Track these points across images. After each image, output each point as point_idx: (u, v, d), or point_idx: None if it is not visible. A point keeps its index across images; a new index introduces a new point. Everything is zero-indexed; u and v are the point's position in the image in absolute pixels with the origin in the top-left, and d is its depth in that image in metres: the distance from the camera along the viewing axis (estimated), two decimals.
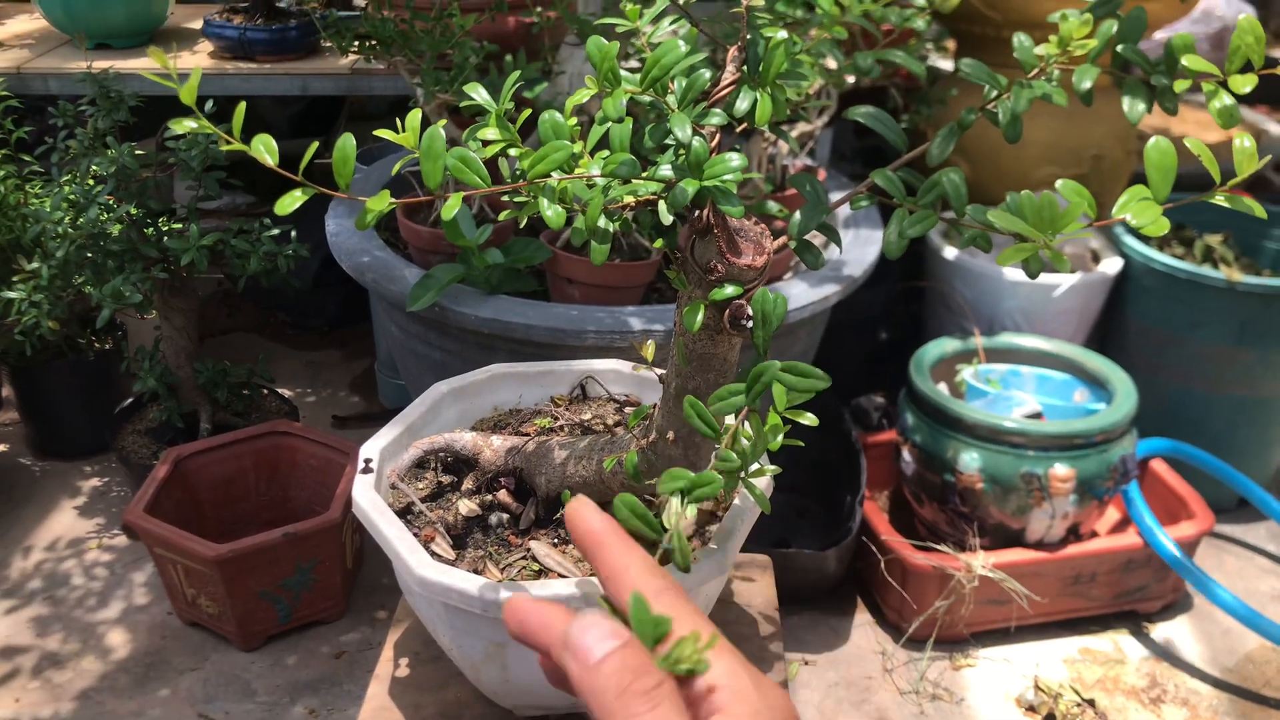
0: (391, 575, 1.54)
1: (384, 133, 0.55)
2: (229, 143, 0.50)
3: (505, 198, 0.51)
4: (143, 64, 1.91)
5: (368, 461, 0.75)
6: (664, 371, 0.62)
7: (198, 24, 2.15)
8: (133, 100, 1.57)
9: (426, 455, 0.75)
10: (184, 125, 0.50)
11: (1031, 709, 1.42)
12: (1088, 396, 1.63)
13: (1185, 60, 0.45)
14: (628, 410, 0.87)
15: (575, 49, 1.50)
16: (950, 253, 1.84)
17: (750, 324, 0.51)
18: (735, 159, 0.49)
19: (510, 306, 1.30)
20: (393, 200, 0.51)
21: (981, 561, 1.45)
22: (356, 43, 1.47)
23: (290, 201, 0.51)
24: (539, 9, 1.50)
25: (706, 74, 0.51)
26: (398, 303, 1.33)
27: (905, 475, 1.58)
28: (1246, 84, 0.43)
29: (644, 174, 0.50)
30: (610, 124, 0.51)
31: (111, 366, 1.84)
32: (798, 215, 0.53)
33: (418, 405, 0.82)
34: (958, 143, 0.61)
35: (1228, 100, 0.42)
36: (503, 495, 0.73)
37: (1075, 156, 1.97)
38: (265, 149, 0.50)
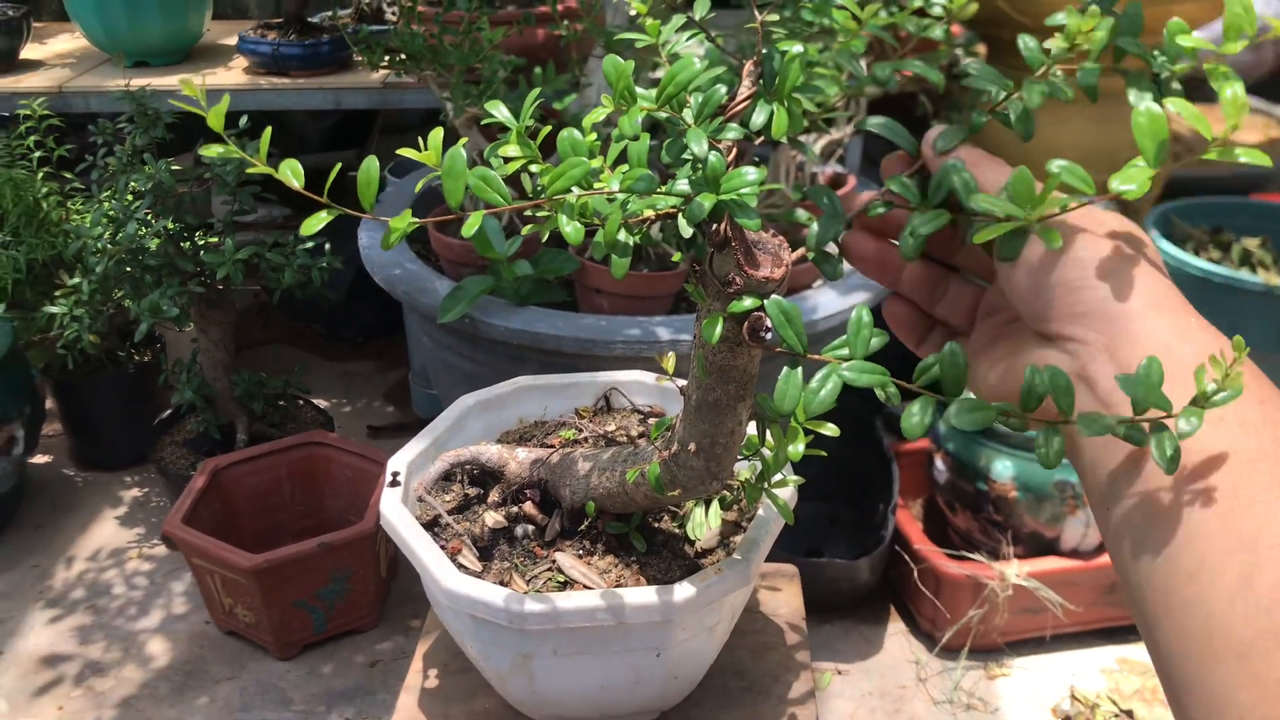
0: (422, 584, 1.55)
1: (407, 151, 0.56)
2: (255, 166, 0.51)
3: (528, 213, 0.52)
4: (179, 81, 1.94)
5: (395, 475, 0.75)
6: (685, 383, 0.62)
7: (233, 40, 2.18)
8: (169, 117, 1.60)
9: (453, 468, 0.75)
10: (213, 150, 0.51)
11: (1068, 719, 1.41)
12: None
13: (1180, 39, 0.45)
14: (651, 421, 0.87)
15: (603, 61, 1.51)
16: None
17: (770, 335, 0.51)
18: (752, 173, 0.49)
19: (539, 317, 1.31)
20: (414, 220, 0.52)
21: (1016, 570, 1.44)
22: (387, 57, 1.49)
23: (315, 223, 0.52)
24: (566, 22, 1.51)
25: (723, 89, 0.51)
26: (429, 314, 1.34)
27: (938, 484, 1.57)
28: (1237, 47, 0.43)
29: (662, 188, 0.50)
30: (626, 140, 0.52)
31: (151, 379, 1.87)
32: (815, 227, 0.53)
33: (444, 418, 0.83)
34: (988, 145, 0.61)
35: (1238, 89, 0.42)
36: (528, 507, 0.73)
37: (1106, 161, 1.94)
38: (291, 173, 0.51)
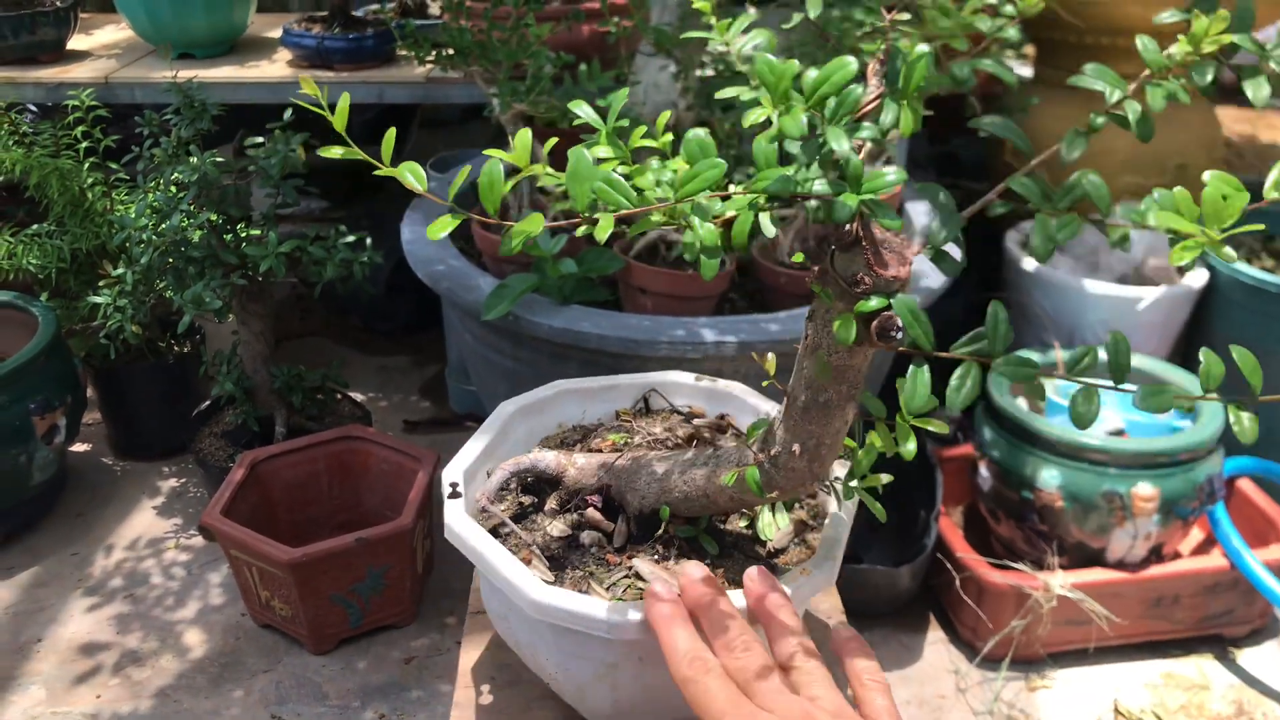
0: (462, 581, 1.55)
1: (495, 152, 0.56)
2: (377, 167, 0.51)
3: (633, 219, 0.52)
4: (224, 73, 1.95)
5: (454, 486, 0.74)
6: (789, 385, 0.61)
7: (276, 33, 2.19)
8: (215, 109, 1.60)
9: (510, 477, 0.74)
10: (333, 151, 0.52)
11: None
12: (1172, 413, 1.58)
13: None
14: (696, 422, 0.86)
15: (650, 59, 1.50)
16: (1029, 264, 1.80)
17: (899, 335, 0.50)
18: (891, 173, 0.48)
19: (583, 316, 1.30)
20: (454, 213, 0.51)
21: (1060, 581, 1.41)
22: (434, 52, 1.48)
23: (440, 228, 0.54)
24: (614, 19, 1.50)
25: (859, 89, 0.50)
26: (472, 311, 1.34)
27: (982, 491, 1.55)
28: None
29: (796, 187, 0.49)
30: (763, 143, 0.51)
31: (190, 370, 1.87)
32: (934, 224, 0.53)
33: (490, 425, 0.82)
34: (1032, 151, 0.61)
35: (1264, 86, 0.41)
36: (592, 514, 0.72)
37: (1159, 165, 1.92)
38: (414, 177, 0.52)
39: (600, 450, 0.79)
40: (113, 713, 1.36)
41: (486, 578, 0.69)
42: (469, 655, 0.83)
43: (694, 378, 0.89)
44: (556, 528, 0.71)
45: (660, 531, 0.72)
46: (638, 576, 0.68)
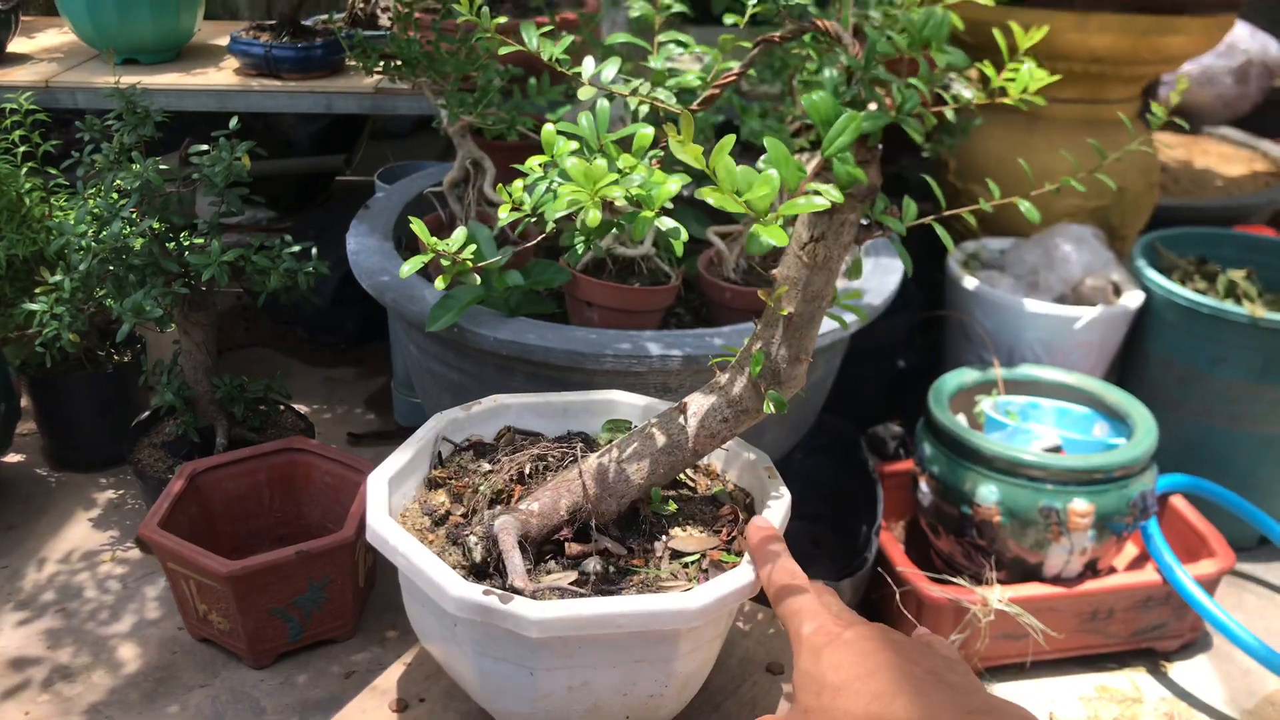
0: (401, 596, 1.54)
1: (534, 160, 0.58)
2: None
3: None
4: (170, 80, 1.92)
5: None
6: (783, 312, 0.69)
7: (224, 40, 2.17)
8: (158, 116, 1.59)
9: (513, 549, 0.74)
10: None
11: None
12: (1107, 431, 1.62)
13: None
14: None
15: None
16: (970, 282, 1.84)
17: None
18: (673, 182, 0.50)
19: (529, 328, 1.30)
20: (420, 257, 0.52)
21: (998, 595, 1.43)
22: (381, 63, 1.48)
23: (410, 269, 0.57)
24: (563, 34, 1.51)
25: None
26: (417, 323, 1.33)
27: (922, 506, 1.57)
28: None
29: None
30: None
31: (129, 379, 1.84)
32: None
33: (419, 436, 0.83)
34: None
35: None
36: (574, 547, 0.72)
37: (1098, 188, 1.96)
38: (417, 229, 0.53)
39: (529, 486, 0.79)
40: None
41: (412, 582, 0.69)
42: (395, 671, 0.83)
43: (638, 398, 0.90)
44: (566, 578, 0.71)
45: (640, 517, 0.73)
46: (678, 553, 0.71)
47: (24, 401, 1.84)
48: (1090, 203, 2.01)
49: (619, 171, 0.58)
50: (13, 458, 1.88)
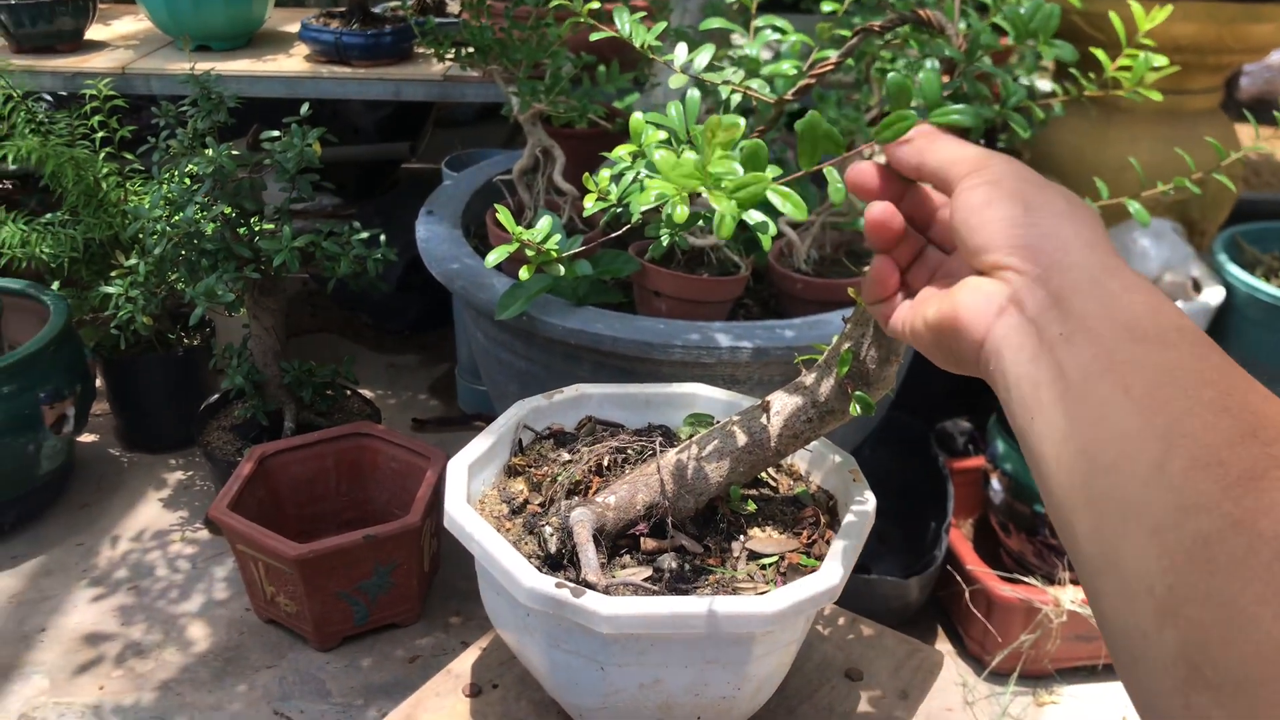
0: (467, 580, 1.54)
1: (621, 149, 0.58)
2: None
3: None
4: (241, 66, 1.94)
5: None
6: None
7: (295, 27, 2.18)
8: (232, 101, 1.60)
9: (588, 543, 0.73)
10: None
11: None
12: None
13: None
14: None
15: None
16: None
17: None
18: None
19: (597, 318, 1.29)
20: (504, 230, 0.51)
21: (1071, 596, 1.40)
22: (453, 50, 1.48)
23: (497, 257, 0.56)
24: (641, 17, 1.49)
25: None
26: (486, 311, 1.33)
27: (993, 504, 1.54)
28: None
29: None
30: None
31: (200, 362, 1.87)
32: None
33: (501, 423, 0.82)
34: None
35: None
36: (650, 543, 0.71)
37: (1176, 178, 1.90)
38: (502, 218, 0.53)
39: (607, 479, 0.78)
40: (115, 704, 1.36)
41: (486, 570, 0.68)
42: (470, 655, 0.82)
43: (711, 390, 0.89)
44: (640, 574, 0.70)
45: (718, 516, 0.73)
46: (757, 554, 0.70)
47: (99, 383, 1.88)
48: (1169, 195, 1.95)
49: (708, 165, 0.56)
50: (87, 437, 1.92)
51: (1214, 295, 1.76)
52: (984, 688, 1.46)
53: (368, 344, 2.28)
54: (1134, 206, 0.78)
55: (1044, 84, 2.23)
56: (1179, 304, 1.72)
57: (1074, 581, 1.43)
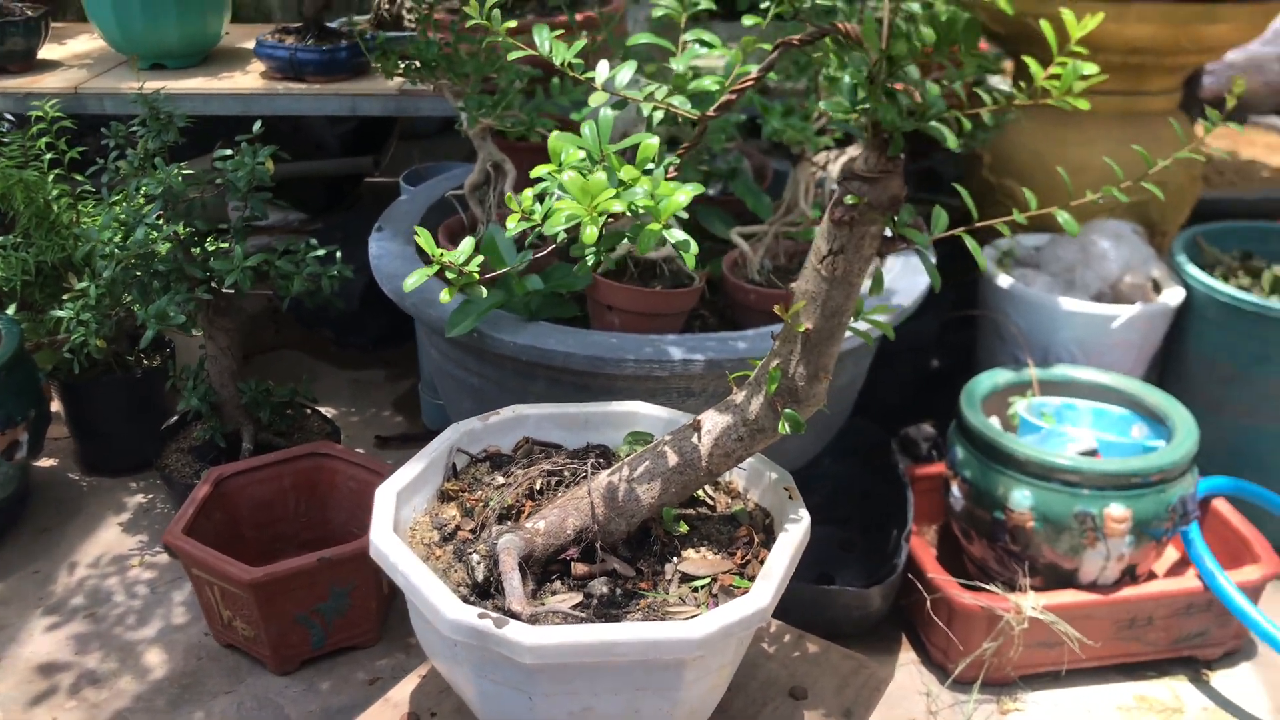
0: None
1: (542, 169, 0.59)
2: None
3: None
4: (196, 84, 1.93)
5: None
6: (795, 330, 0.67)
7: (251, 43, 2.17)
8: (183, 121, 1.59)
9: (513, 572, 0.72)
10: None
11: None
12: (1146, 433, 1.58)
13: None
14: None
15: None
16: (1004, 281, 1.80)
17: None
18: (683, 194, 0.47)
19: (549, 333, 1.29)
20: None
21: (1032, 602, 1.40)
22: (402, 65, 1.47)
23: (416, 281, 0.56)
24: (585, 33, 1.49)
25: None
26: (437, 328, 1.32)
27: (954, 511, 1.54)
28: None
29: None
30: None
31: (158, 384, 1.85)
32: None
33: (432, 448, 0.81)
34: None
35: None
36: (580, 568, 0.70)
37: (1135, 180, 1.90)
38: (422, 241, 0.53)
39: (540, 502, 0.77)
40: None
41: (410, 600, 0.67)
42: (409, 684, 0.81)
43: (661, 410, 0.88)
44: (570, 600, 0.69)
45: (652, 538, 0.72)
46: (689, 576, 0.69)
47: (56, 406, 1.85)
48: (1129, 197, 1.96)
49: (621, 184, 0.56)
50: (45, 462, 1.89)
51: (1174, 296, 1.77)
52: (948, 696, 1.45)
53: (331, 360, 2.26)
54: (1063, 216, 0.77)
55: (1005, 86, 2.24)
56: (1139, 306, 1.73)
57: (1035, 588, 1.43)
